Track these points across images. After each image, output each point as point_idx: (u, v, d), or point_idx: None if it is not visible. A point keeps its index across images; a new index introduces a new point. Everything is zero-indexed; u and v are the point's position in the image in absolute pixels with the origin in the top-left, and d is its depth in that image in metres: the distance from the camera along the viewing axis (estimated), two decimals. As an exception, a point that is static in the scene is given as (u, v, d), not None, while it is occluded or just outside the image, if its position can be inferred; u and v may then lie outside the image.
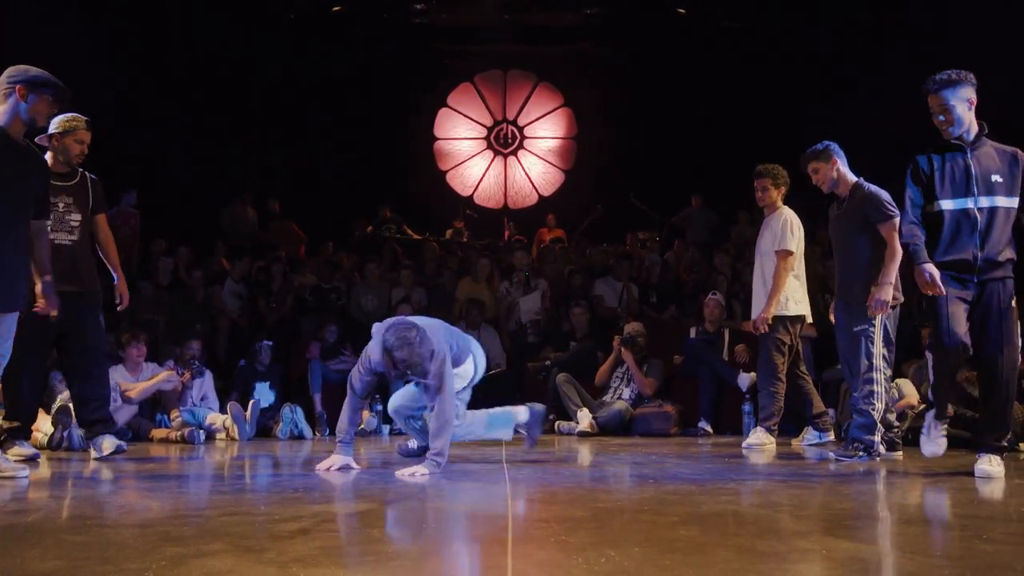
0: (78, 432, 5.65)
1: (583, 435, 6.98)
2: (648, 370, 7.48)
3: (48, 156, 4.94)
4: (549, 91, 15.10)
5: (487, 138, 15.11)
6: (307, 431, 7.08)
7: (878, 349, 4.80)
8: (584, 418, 7.12)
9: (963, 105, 4.00)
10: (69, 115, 4.99)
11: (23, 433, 5.12)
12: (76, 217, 5.08)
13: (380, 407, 7.50)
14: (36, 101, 4.03)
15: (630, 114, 13.68)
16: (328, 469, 4.19)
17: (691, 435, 7.12)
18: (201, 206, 11.37)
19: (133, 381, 6.85)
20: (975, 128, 4.05)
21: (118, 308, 5.31)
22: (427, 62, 14.30)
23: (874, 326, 4.79)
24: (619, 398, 7.41)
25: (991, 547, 2.35)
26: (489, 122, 15.14)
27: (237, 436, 6.71)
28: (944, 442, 4.21)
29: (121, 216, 10.20)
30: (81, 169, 5.17)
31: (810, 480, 3.93)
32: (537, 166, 15.06)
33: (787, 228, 5.85)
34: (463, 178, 14.99)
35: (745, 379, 7.12)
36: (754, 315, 5.96)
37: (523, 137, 15.11)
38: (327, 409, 7.52)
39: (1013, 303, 3.96)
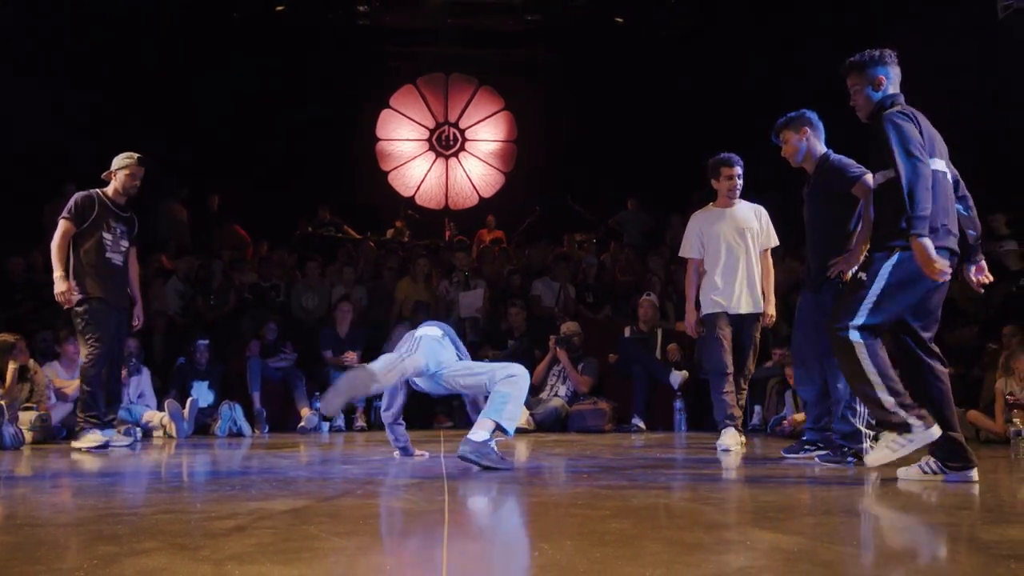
0: (9, 431, 5.50)
1: (519, 431, 7.00)
2: (583, 368, 7.54)
3: (109, 188, 5.76)
4: (490, 95, 15.10)
5: (429, 140, 15.05)
6: (246, 428, 6.97)
7: None
8: (521, 415, 7.13)
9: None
10: (125, 153, 5.74)
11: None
12: (125, 243, 5.79)
13: (319, 404, 7.42)
14: None
15: (569, 119, 13.79)
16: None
17: (625, 431, 7.21)
18: (139, 202, 11.07)
19: (69, 379, 6.66)
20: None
21: (135, 327, 6.01)
22: (370, 63, 14.18)
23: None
24: (555, 395, 7.46)
25: (908, 536, 2.42)
26: (431, 124, 15.08)
27: (175, 434, 6.57)
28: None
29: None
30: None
31: (738, 475, 4.00)
32: (478, 168, 15.05)
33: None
34: (405, 179, 14.90)
35: (677, 377, 7.23)
36: (748, 308, 5.33)
37: (464, 140, 15.08)
38: (266, 407, 7.42)
39: None
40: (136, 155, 5.75)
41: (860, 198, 4.34)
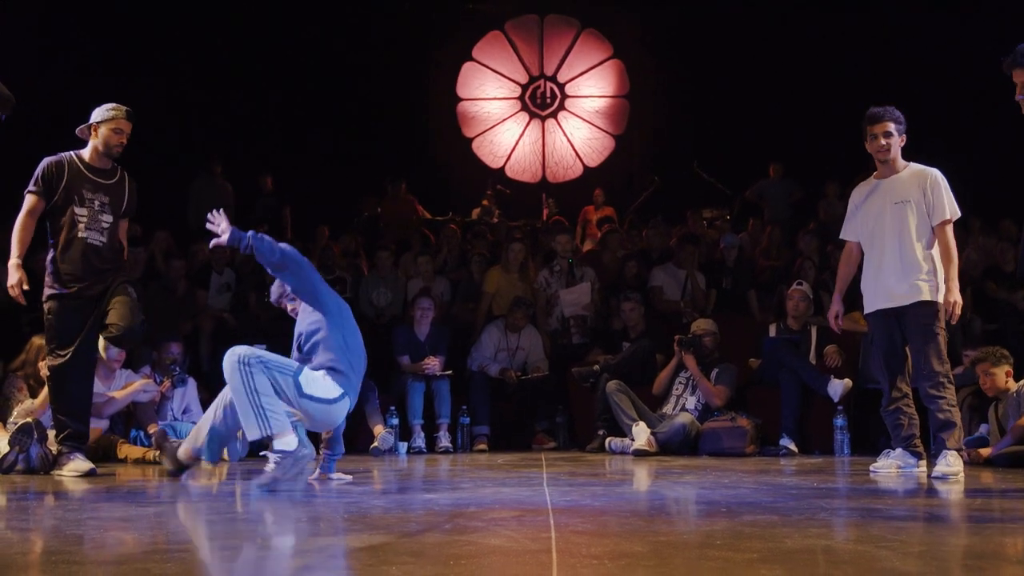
0: (36, 451, 5.73)
1: (639, 454, 6.96)
2: (717, 376, 7.45)
3: (87, 149, 5.62)
4: (595, 40, 15.05)
5: (521, 98, 15.10)
6: (310, 450, 7.11)
7: None
8: (641, 434, 7.09)
9: None
10: (109, 104, 5.58)
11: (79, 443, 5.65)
12: (108, 218, 5.62)
13: (396, 420, 7.52)
14: None
15: (693, 67, 13.58)
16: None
17: (771, 455, 7.09)
18: (177, 183, 11.43)
19: (105, 391, 6.90)
20: None
21: None
22: (447, 6, 14.28)
23: None
24: (683, 410, 7.39)
25: None
26: (524, 78, 15.12)
27: (227, 456, 6.75)
28: None
29: None
30: (120, 167, 5.77)
31: (921, 510, 3.88)
32: (581, 131, 15.03)
33: (943, 189, 5.32)
34: (492, 146, 15.00)
35: (837, 387, 7.06)
36: (878, 304, 5.41)
37: (564, 96, 15.08)
38: (332, 424, 7.55)
39: None
40: (123, 107, 5.59)
41: None
